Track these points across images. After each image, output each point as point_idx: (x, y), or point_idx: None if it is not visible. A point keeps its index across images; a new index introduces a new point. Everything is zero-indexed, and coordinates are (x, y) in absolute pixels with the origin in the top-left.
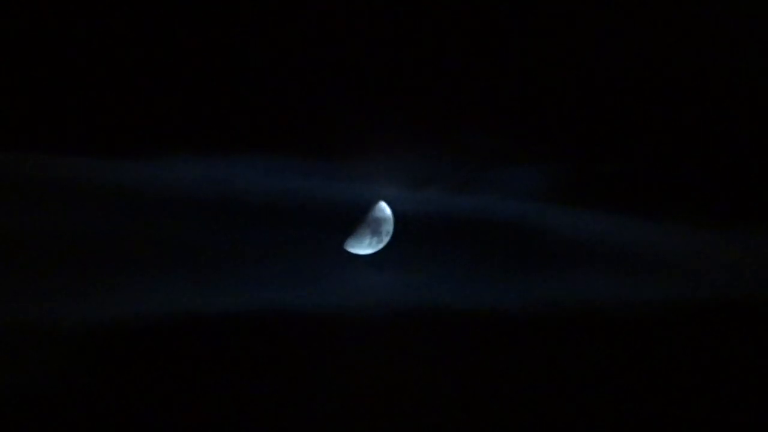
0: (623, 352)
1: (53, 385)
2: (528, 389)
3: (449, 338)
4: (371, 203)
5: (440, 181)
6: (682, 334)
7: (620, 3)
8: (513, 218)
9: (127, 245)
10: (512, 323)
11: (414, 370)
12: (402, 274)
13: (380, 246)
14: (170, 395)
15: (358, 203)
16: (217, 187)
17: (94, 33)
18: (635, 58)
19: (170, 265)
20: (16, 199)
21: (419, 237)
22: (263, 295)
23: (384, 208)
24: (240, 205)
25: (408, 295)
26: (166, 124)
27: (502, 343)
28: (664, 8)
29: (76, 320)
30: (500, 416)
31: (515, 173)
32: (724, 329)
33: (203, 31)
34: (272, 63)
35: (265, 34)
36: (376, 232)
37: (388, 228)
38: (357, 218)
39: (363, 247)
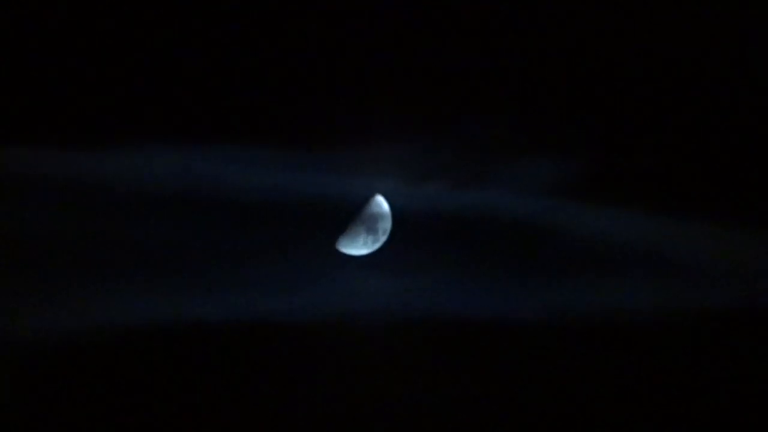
0: (652, 369)
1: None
2: (542, 410)
3: (454, 352)
4: (366, 198)
5: (443, 175)
6: (721, 349)
7: None
8: (524, 217)
9: (87, 246)
10: (524, 335)
11: (414, 388)
12: (401, 277)
13: (376, 246)
14: (136, 412)
15: (352, 198)
16: (190, 182)
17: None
18: (668, 36)
19: (134, 270)
20: None
21: (420, 236)
22: (243, 303)
23: (381, 204)
24: (216, 202)
25: (407, 302)
26: (130, 109)
27: (513, 357)
28: None
29: (35, 330)
30: None
31: (527, 166)
32: None
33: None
34: (252, 41)
35: (246, 11)
36: (371, 231)
37: (386, 226)
38: (350, 215)
39: (357, 247)
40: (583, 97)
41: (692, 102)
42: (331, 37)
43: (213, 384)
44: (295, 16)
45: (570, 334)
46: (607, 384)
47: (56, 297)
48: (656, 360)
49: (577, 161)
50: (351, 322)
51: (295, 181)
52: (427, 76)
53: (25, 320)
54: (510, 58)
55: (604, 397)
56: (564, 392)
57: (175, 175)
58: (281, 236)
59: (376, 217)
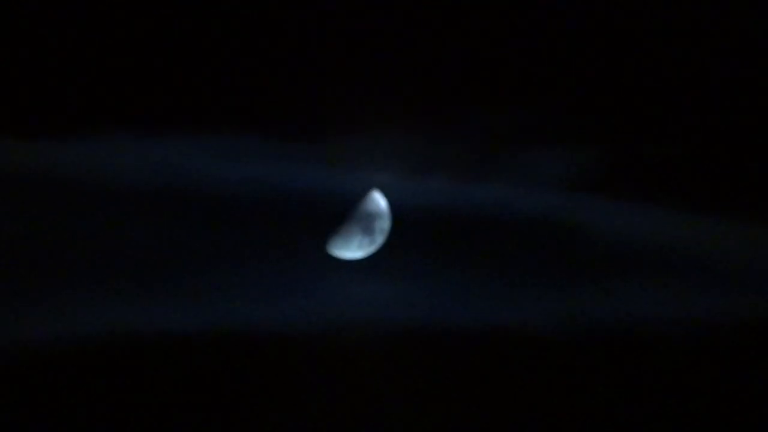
0: (683, 385)
1: None
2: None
3: (458, 364)
4: (362, 194)
5: (446, 167)
6: (761, 362)
7: None
8: (536, 213)
9: (47, 247)
10: (538, 346)
11: (415, 403)
12: (399, 283)
13: (373, 247)
14: (117, 421)
15: (346, 194)
16: (163, 175)
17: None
18: (689, 20)
19: (102, 273)
20: None
21: (421, 236)
22: (225, 311)
23: (378, 200)
24: (193, 198)
25: (407, 310)
26: (95, 95)
27: (525, 370)
28: None
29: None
30: None
31: (536, 158)
32: None
33: None
34: (232, 20)
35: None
36: (367, 231)
37: (383, 225)
38: (344, 213)
39: (352, 249)
40: (595, 82)
41: (718, 90)
42: (324, 23)
43: (189, 401)
44: (292, 6)
45: (586, 345)
46: (625, 403)
47: (16, 304)
48: (681, 377)
49: (590, 152)
50: (343, 333)
51: (282, 175)
52: (430, 61)
53: None
54: (521, 40)
55: (620, 421)
56: (579, 411)
57: (150, 169)
58: (265, 237)
59: (373, 216)
